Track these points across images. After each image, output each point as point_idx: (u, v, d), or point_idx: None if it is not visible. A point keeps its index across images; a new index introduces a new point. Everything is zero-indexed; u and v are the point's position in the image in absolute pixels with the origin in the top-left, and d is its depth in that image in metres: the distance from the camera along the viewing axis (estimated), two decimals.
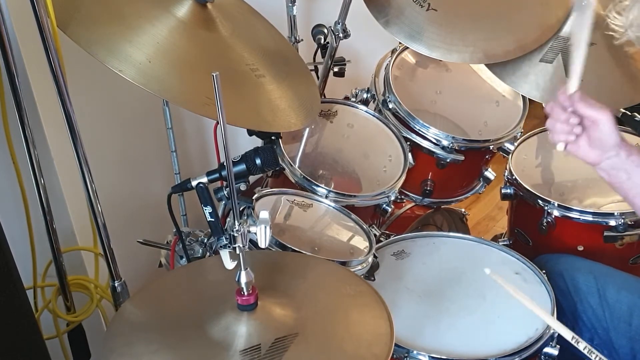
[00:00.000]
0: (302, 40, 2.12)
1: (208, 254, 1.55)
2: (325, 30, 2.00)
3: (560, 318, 1.45)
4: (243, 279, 1.07)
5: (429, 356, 1.35)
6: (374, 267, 1.49)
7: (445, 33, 1.75)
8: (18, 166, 1.50)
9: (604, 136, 1.27)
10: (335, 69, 2.02)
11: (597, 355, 1.19)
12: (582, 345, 1.21)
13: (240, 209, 1.47)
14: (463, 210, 2.19)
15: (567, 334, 1.24)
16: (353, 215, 1.61)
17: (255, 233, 1.11)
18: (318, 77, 2.04)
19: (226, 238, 1.12)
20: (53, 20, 1.23)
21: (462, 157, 1.84)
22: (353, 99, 1.95)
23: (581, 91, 1.27)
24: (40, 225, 1.53)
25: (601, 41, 1.77)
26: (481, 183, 2.02)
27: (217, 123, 1.53)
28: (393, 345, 1.07)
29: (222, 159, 1.29)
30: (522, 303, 1.30)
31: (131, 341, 1.07)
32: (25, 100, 1.39)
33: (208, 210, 1.28)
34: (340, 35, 1.94)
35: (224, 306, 1.10)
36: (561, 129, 1.29)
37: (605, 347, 1.50)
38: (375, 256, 1.50)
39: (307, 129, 1.82)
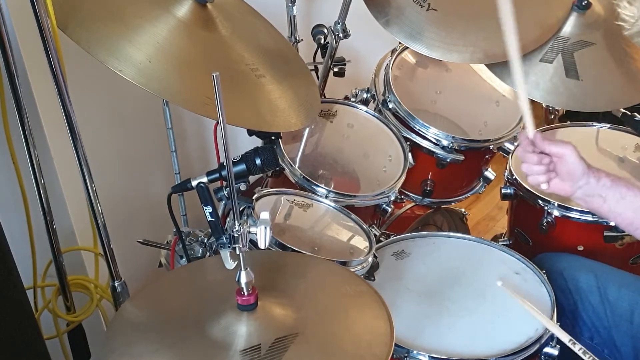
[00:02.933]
0: (302, 40, 2.12)
1: (208, 254, 1.55)
2: (325, 30, 2.00)
3: (560, 317, 1.45)
4: (243, 279, 1.07)
5: (429, 356, 1.35)
6: (374, 267, 1.49)
7: (445, 33, 1.75)
8: (18, 166, 1.50)
9: (571, 167, 1.32)
10: (335, 69, 2.02)
11: (590, 356, 1.21)
12: (577, 347, 1.24)
13: (240, 209, 1.47)
14: (463, 210, 2.19)
15: (565, 337, 1.27)
16: (353, 215, 1.61)
17: (256, 233, 1.11)
18: (318, 77, 2.04)
19: (226, 238, 1.12)
20: (53, 20, 1.23)
21: (462, 157, 1.84)
22: (353, 99, 1.95)
23: (539, 133, 1.33)
24: (40, 225, 1.53)
25: (601, 41, 1.77)
26: (481, 183, 2.02)
27: (217, 123, 1.53)
28: (393, 345, 1.07)
29: (222, 159, 1.29)
30: (529, 311, 1.37)
31: (131, 341, 1.07)
32: (25, 100, 1.39)
33: (208, 209, 1.28)
34: (340, 35, 1.94)
35: (224, 306, 1.10)
36: (538, 170, 1.34)
37: (607, 346, 1.50)
38: (375, 256, 1.50)
39: (307, 129, 1.82)
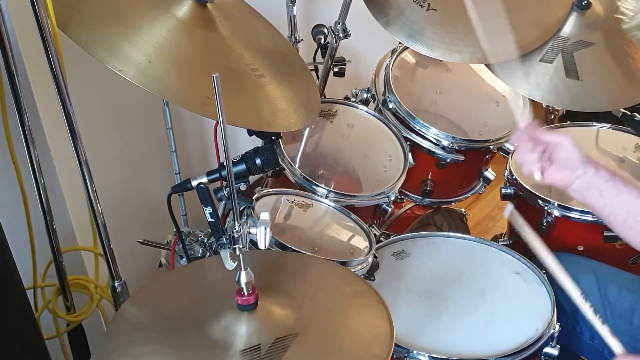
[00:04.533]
0: (302, 40, 2.12)
1: (208, 254, 1.55)
2: (325, 30, 2.00)
3: (560, 317, 1.45)
4: (243, 279, 1.07)
5: (429, 356, 1.35)
6: (374, 267, 1.49)
7: (445, 33, 1.75)
8: (18, 166, 1.50)
9: (569, 155, 1.30)
10: (335, 69, 2.02)
11: (600, 316, 1.20)
12: (587, 305, 1.23)
13: (240, 209, 1.47)
14: (463, 210, 2.19)
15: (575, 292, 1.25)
16: (353, 215, 1.61)
17: (256, 234, 1.11)
18: (318, 77, 2.04)
19: (226, 238, 1.12)
20: (53, 20, 1.23)
21: (462, 157, 1.84)
22: (353, 99, 1.95)
23: (533, 123, 1.32)
24: (40, 225, 1.53)
25: (601, 41, 1.77)
26: (481, 183, 2.02)
27: (217, 123, 1.53)
28: (393, 345, 1.07)
29: (222, 159, 1.29)
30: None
31: (131, 341, 1.07)
32: (25, 100, 1.39)
33: (208, 210, 1.28)
34: (340, 35, 1.94)
35: (224, 306, 1.10)
36: (531, 158, 1.32)
37: (606, 347, 1.48)
38: (375, 256, 1.50)
39: (307, 129, 1.82)
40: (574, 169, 1.31)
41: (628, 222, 1.31)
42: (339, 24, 1.93)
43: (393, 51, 1.97)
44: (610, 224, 1.35)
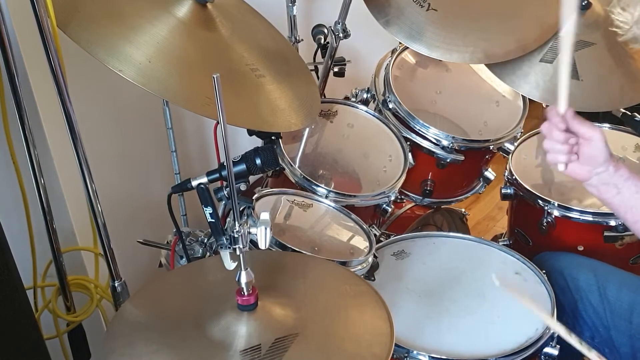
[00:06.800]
0: (302, 40, 2.12)
1: (208, 254, 1.55)
2: (325, 30, 2.00)
3: (560, 316, 1.46)
4: (243, 279, 1.08)
5: (429, 356, 1.35)
6: (374, 267, 1.49)
7: (445, 33, 1.75)
8: (18, 166, 1.50)
9: (596, 152, 1.29)
10: (335, 69, 2.02)
11: (586, 345, 1.19)
12: (572, 338, 1.21)
13: (241, 209, 1.47)
14: (463, 210, 2.19)
15: (561, 330, 1.24)
16: (353, 215, 1.61)
17: (256, 234, 1.11)
18: (318, 77, 2.04)
19: (226, 238, 1.12)
20: (53, 20, 1.23)
21: (462, 157, 1.84)
22: (353, 99, 1.95)
23: (571, 110, 1.28)
24: (40, 225, 1.53)
25: (601, 41, 1.77)
26: (481, 183, 2.03)
27: (217, 123, 1.53)
28: (393, 345, 1.07)
29: (222, 159, 1.29)
30: (527, 308, 1.31)
31: (131, 341, 1.07)
32: (25, 100, 1.39)
33: (208, 211, 1.28)
34: (340, 35, 1.94)
35: (224, 306, 1.10)
36: (561, 149, 1.29)
37: (606, 345, 1.50)
38: (375, 256, 1.50)
39: (307, 129, 1.82)
40: (596, 166, 1.30)
41: None
42: (339, 24, 1.93)
43: (393, 51, 1.97)
44: (626, 220, 1.35)
